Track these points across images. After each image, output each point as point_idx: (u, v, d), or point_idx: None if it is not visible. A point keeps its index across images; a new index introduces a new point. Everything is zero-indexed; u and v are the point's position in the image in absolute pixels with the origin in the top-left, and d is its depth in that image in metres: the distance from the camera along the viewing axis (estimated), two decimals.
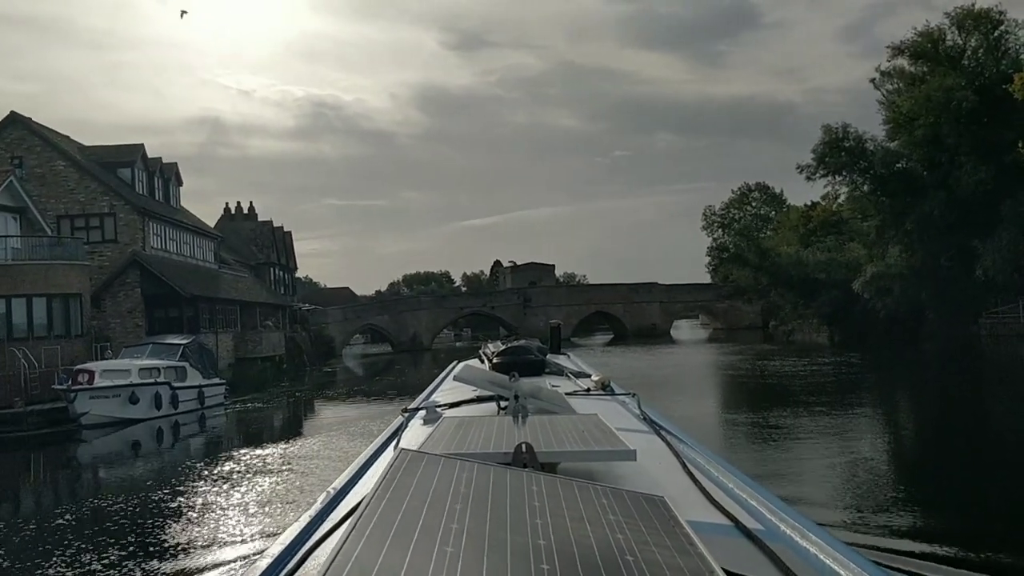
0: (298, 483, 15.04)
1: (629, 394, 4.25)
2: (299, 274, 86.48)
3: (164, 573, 9.81)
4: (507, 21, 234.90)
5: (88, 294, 33.44)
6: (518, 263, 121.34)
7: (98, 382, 25.25)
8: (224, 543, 10.95)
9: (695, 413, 20.73)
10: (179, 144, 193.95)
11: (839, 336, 54.06)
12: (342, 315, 75.59)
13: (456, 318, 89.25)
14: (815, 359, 39.58)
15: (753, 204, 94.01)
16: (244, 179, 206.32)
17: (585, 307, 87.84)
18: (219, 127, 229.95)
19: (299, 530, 2.05)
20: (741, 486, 2.37)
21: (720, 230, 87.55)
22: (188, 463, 19.33)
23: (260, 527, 11.67)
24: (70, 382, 25.20)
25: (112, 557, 10.57)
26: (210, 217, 61.35)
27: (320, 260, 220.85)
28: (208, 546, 10.84)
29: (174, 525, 12.17)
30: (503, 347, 5.98)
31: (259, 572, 1.73)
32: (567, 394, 3.93)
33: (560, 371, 5.33)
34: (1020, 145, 40.51)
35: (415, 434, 3.18)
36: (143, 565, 10.16)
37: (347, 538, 1.35)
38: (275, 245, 65.26)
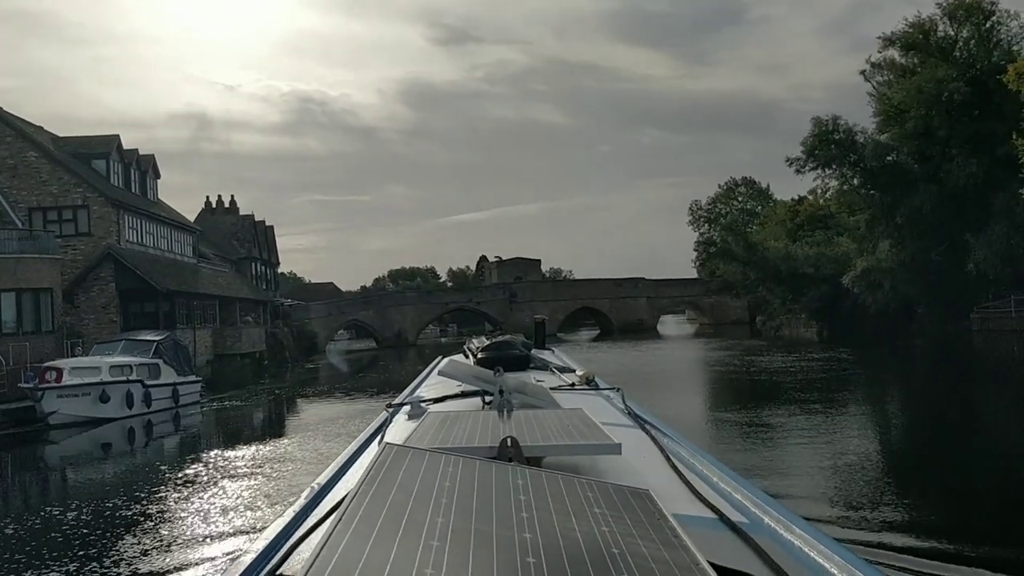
0: (269, 488, 14.24)
1: (613, 389, 4.25)
2: (283, 270, 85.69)
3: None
4: (493, 16, 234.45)
5: (59, 289, 32.41)
6: (504, 258, 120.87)
7: (66, 380, 24.29)
8: (189, 550, 10.43)
9: (684, 409, 20.58)
10: (164, 139, 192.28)
11: (828, 332, 53.56)
12: (326, 310, 74.65)
13: (441, 313, 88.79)
14: (804, 355, 39.21)
15: (740, 199, 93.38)
16: (229, 175, 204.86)
17: (571, 302, 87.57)
18: (204, 122, 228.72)
19: (283, 525, 2.01)
20: (725, 479, 2.36)
21: (707, 225, 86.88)
22: (158, 465, 18.80)
23: (228, 531, 11.14)
24: (37, 380, 24.25)
25: (72, 566, 10.08)
26: (194, 212, 60.45)
27: (305, 256, 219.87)
28: (169, 552, 10.30)
29: (140, 530, 11.64)
30: (488, 342, 5.94)
31: (243, 567, 1.71)
32: (552, 389, 3.91)
33: (545, 366, 5.31)
34: (1013, 137, 39.93)
35: (400, 429, 3.14)
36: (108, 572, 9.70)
37: (332, 533, 1.34)
38: (257, 239, 64.31)
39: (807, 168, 51.99)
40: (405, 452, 1.90)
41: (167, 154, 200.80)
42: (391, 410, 3.70)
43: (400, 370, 40.62)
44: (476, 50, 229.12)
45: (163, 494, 14.39)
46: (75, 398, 24.25)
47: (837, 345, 43.99)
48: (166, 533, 11.33)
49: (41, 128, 40.83)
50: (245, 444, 20.44)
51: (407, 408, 3.60)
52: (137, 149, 44.23)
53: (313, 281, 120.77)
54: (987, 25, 47.97)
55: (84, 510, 13.35)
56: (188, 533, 11.31)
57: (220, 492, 14.02)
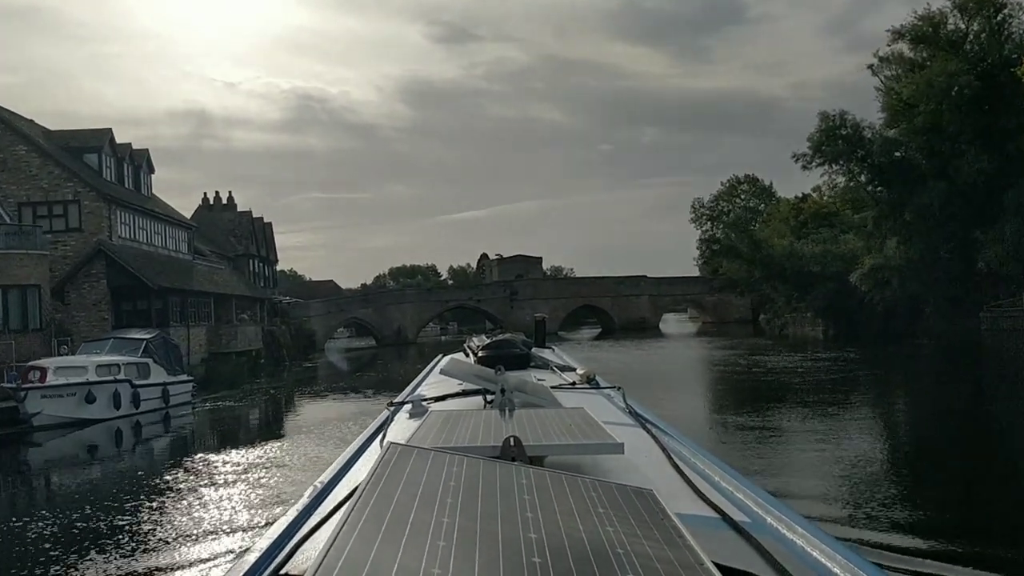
0: (254, 497, 13.47)
1: (614, 387, 4.21)
2: (283, 267, 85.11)
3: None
4: (492, 14, 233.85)
5: (48, 285, 31.59)
6: (505, 256, 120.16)
7: (51, 380, 23.42)
8: (173, 560, 9.95)
9: (687, 410, 20.39)
10: (163, 136, 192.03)
11: (834, 330, 52.71)
12: (325, 308, 73.91)
13: (442, 311, 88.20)
14: (810, 354, 38.79)
15: (742, 196, 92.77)
16: (229, 172, 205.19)
17: (573, 300, 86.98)
18: (204, 119, 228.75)
19: (287, 524, 1.98)
20: (727, 479, 2.35)
21: (709, 223, 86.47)
22: (145, 468, 18.17)
23: (203, 554, 10.31)
24: (19, 380, 23.38)
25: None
26: (193, 210, 59.55)
27: (305, 253, 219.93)
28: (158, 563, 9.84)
29: (119, 540, 11.04)
30: (488, 341, 5.89)
31: (247, 566, 1.69)
32: (552, 387, 3.88)
33: (545, 365, 5.26)
34: None
35: (402, 428, 3.13)
36: None
37: (339, 532, 1.35)
38: (255, 236, 63.58)
39: (814, 164, 51.24)
40: (409, 451, 1.90)
41: (167, 151, 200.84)
42: (392, 408, 3.68)
43: (399, 369, 39.89)
44: (475, 48, 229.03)
45: (144, 502, 13.60)
46: (60, 398, 23.36)
47: (843, 344, 43.53)
48: (143, 542, 10.79)
49: (32, 122, 39.96)
50: (235, 448, 19.67)
51: (408, 407, 3.58)
52: (130, 143, 43.31)
53: (313, 279, 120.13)
54: (998, 18, 47.07)
55: (63, 516, 12.80)
56: (164, 545, 10.64)
57: (200, 502, 13.22)
